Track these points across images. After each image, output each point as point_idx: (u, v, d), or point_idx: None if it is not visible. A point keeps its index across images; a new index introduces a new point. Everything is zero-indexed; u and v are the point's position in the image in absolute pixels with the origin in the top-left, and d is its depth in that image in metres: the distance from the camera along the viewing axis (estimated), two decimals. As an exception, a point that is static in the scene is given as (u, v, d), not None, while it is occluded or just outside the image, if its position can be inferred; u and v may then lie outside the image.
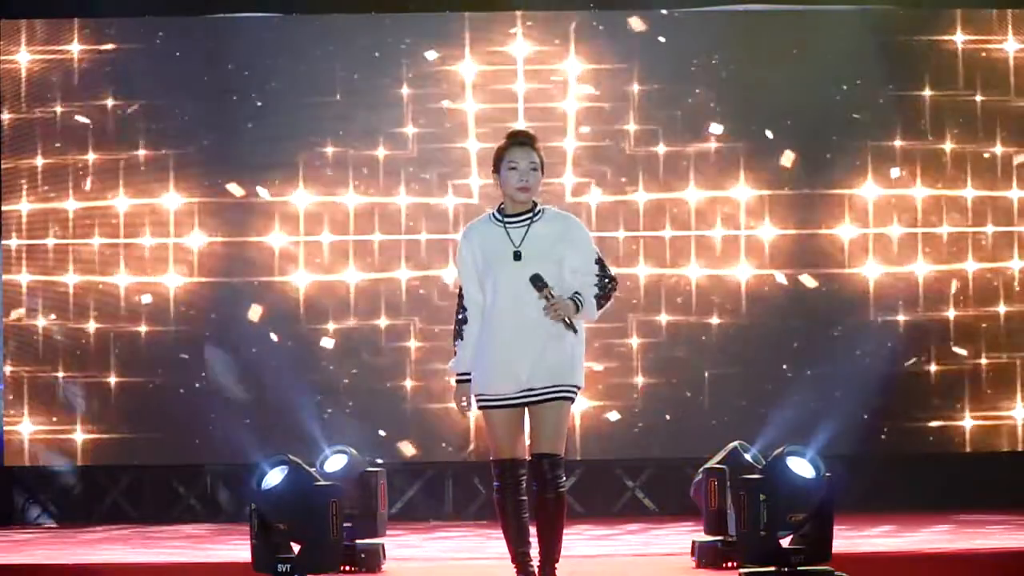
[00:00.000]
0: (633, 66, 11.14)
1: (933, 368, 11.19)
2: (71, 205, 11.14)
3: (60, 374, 11.10)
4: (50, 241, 11.17)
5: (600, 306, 6.59)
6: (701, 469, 8.05)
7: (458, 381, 6.71)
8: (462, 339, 6.70)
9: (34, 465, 11.14)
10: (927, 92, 11.21)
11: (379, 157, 11.15)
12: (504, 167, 6.64)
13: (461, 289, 6.75)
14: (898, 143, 11.20)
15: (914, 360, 11.10)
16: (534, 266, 6.56)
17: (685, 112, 11.16)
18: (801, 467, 6.94)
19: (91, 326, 11.10)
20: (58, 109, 11.19)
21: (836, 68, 11.12)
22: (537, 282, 6.49)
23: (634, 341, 11.12)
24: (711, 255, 11.16)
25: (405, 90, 11.17)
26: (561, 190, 11.03)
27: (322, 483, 6.97)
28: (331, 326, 11.14)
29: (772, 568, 6.90)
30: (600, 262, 6.63)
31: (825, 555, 6.95)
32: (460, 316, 6.72)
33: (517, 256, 6.60)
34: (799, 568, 6.89)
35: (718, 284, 11.15)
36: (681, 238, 11.15)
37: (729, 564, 7.71)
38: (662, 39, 11.16)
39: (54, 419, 11.08)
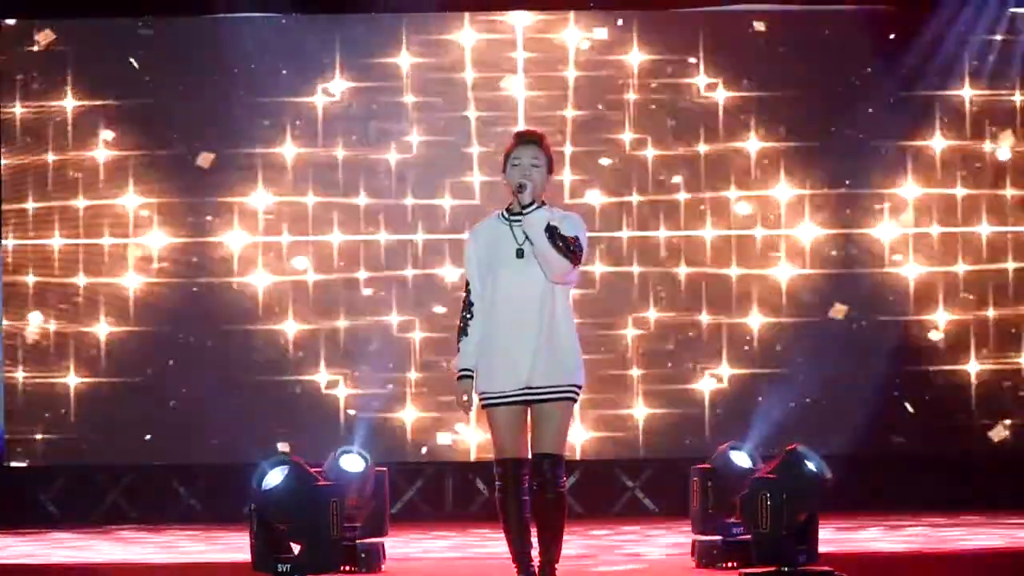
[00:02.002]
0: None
1: (973, 368, 11.20)
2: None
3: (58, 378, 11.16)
4: (10, 242, 11.18)
5: (557, 248, 6.51)
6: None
7: (460, 377, 6.72)
8: (467, 336, 6.70)
9: (33, 465, 11.15)
10: (967, 92, 11.23)
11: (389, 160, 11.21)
12: (509, 165, 6.66)
13: (468, 287, 6.76)
14: (938, 143, 11.19)
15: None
16: (535, 264, 6.57)
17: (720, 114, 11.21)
18: (812, 467, 6.94)
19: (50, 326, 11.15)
20: (17, 110, 11.22)
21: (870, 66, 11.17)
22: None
23: (630, 336, 11.13)
24: (727, 254, 11.19)
25: (406, 89, 11.22)
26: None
27: (324, 483, 6.97)
28: (330, 324, 11.14)
29: (772, 568, 6.91)
30: (580, 240, 6.62)
31: (815, 555, 6.96)
32: (466, 313, 6.72)
33: (519, 254, 6.62)
34: (799, 568, 6.89)
35: (739, 283, 11.19)
36: (677, 237, 11.19)
37: (729, 564, 7.72)
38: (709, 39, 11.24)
39: (49, 420, 11.10)
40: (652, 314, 11.14)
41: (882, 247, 11.20)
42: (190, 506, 11.25)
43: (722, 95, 11.18)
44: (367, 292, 11.14)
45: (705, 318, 11.15)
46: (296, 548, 6.96)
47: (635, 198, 11.16)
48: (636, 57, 11.19)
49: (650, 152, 11.16)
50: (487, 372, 6.62)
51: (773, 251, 11.18)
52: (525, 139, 6.68)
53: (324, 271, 11.14)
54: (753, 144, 11.19)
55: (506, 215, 6.72)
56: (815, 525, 6.97)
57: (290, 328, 11.13)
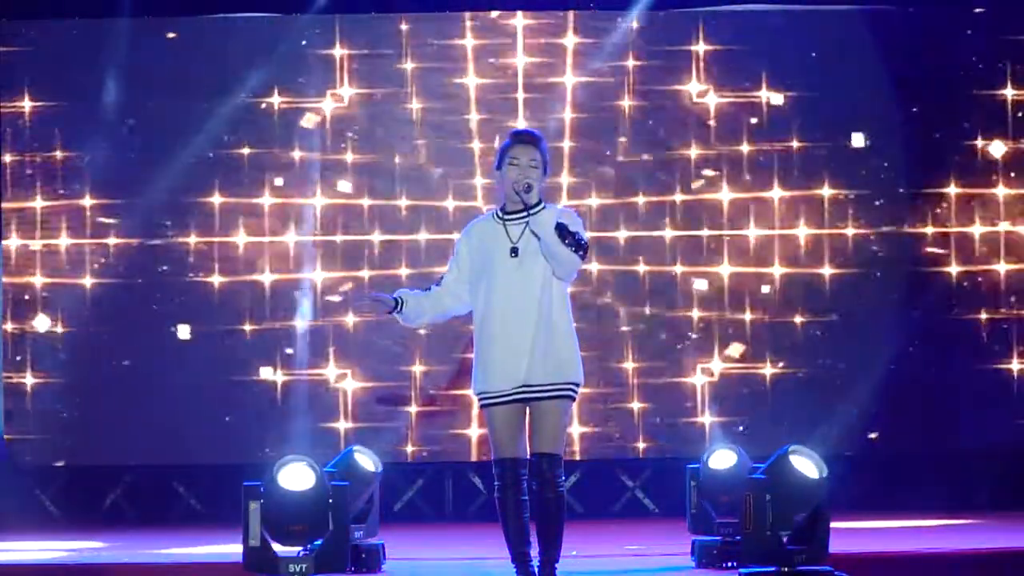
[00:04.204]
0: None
1: (1016, 366, 11.18)
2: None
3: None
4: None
5: (568, 246, 6.49)
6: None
7: (393, 296, 6.71)
8: (422, 291, 6.72)
9: (35, 464, 11.14)
10: (1009, 91, 11.20)
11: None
12: (506, 164, 6.65)
13: (442, 278, 6.77)
14: (979, 142, 11.17)
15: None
16: (531, 262, 6.57)
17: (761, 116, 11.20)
18: (805, 467, 6.94)
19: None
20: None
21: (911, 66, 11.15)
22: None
23: (629, 335, 11.14)
24: (740, 253, 11.17)
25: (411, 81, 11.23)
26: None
27: (339, 483, 6.96)
28: (328, 321, 11.15)
29: (772, 568, 6.91)
30: (581, 235, 6.60)
31: (822, 555, 6.96)
32: (435, 284, 6.75)
33: (514, 252, 6.61)
34: (799, 568, 6.89)
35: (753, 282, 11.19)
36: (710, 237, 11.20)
37: (729, 564, 7.72)
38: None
39: (49, 420, 11.10)
40: (693, 312, 11.15)
41: (923, 246, 11.18)
42: (190, 506, 11.25)
43: (766, 95, 11.20)
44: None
45: (745, 316, 11.15)
46: (297, 549, 6.97)
47: (679, 197, 11.14)
48: (662, 57, 11.21)
49: (693, 152, 11.17)
50: (484, 371, 6.62)
51: (816, 251, 11.16)
52: (524, 139, 6.68)
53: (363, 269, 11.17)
54: (794, 143, 11.19)
55: (500, 214, 6.71)
56: (821, 525, 6.96)
57: (281, 328, 11.15)
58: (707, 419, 11.08)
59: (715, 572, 7.77)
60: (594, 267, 10.97)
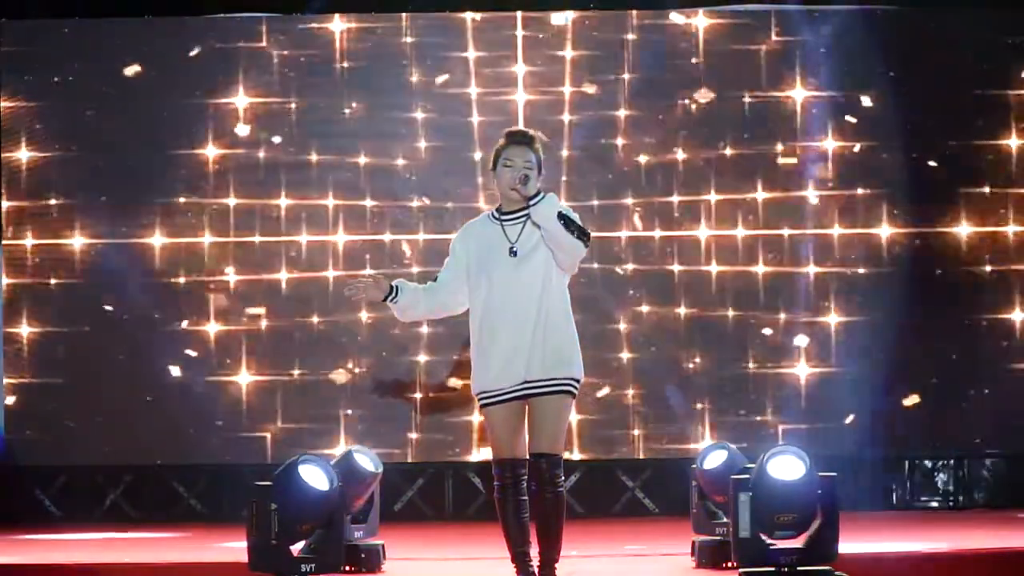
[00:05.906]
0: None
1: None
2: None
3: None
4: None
5: (571, 232, 6.45)
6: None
7: (387, 289, 6.69)
8: (420, 285, 6.71)
9: (35, 464, 11.14)
10: None
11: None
12: (500, 165, 6.64)
13: (436, 277, 6.77)
14: (1014, 142, 11.16)
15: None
16: (529, 262, 6.56)
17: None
18: (791, 468, 6.93)
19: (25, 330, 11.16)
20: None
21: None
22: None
23: (634, 337, 11.14)
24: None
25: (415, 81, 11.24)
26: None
27: (340, 483, 6.97)
28: (329, 319, 11.14)
29: (771, 568, 6.91)
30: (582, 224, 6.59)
31: (830, 555, 6.95)
32: (430, 282, 6.75)
33: (513, 253, 6.60)
34: (799, 568, 6.89)
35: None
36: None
37: (729, 564, 7.72)
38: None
39: (49, 420, 11.09)
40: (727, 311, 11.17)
41: (957, 246, 11.16)
42: (190, 506, 11.25)
43: (800, 94, 11.19)
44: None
45: (779, 316, 11.14)
46: (297, 548, 6.97)
47: (713, 197, 11.13)
48: (703, 59, 11.20)
49: (728, 152, 11.16)
50: (484, 371, 6.61)
51: (850, 251, 11.15)
52: (517, 139, 6.66)
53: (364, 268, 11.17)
54: (829, 143, 11.17)
55: (497, 215, 6.70)
56: (831, 524, 6.95)
57: (321, 320, 11.16)
58: (707, 421, 11.09)
59: (715, 572, 7.77)
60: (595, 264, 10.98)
